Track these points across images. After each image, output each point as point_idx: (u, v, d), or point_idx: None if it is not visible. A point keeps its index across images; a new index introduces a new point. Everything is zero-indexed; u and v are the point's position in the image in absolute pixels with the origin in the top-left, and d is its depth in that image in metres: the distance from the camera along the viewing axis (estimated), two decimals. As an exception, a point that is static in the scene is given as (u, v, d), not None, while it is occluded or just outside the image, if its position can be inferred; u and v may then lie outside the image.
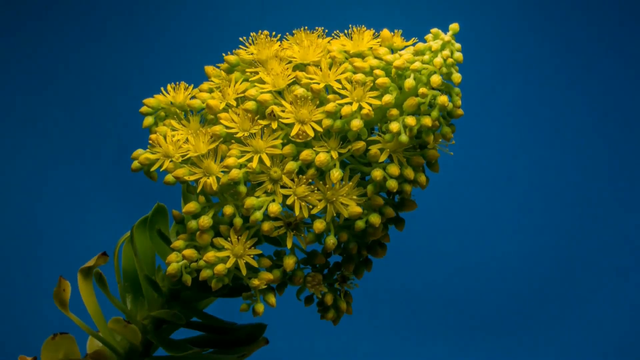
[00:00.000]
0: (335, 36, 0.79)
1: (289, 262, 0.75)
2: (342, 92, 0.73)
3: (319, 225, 0.73)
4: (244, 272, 0.73)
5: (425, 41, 0.75)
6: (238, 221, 0.73)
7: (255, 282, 0.74)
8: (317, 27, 0.79)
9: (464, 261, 1.61)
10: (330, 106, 0.72)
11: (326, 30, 0.79)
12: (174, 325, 0.83)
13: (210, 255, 0.73)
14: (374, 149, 0.73)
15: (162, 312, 0.80)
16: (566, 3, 1.65)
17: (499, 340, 1.58)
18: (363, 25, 0.78)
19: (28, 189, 1.59)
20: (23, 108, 1.60)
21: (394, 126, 0.72)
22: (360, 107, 0.72)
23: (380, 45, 0.77)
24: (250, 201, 0.72)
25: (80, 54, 1.61)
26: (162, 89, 0.81)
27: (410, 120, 0.72)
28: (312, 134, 0.73)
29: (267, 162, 0.73)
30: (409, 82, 0.72)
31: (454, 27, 0.75)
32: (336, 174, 0.72)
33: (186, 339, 0.85)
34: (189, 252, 0.74)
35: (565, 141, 1.63)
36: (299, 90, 0.74)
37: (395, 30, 0.78)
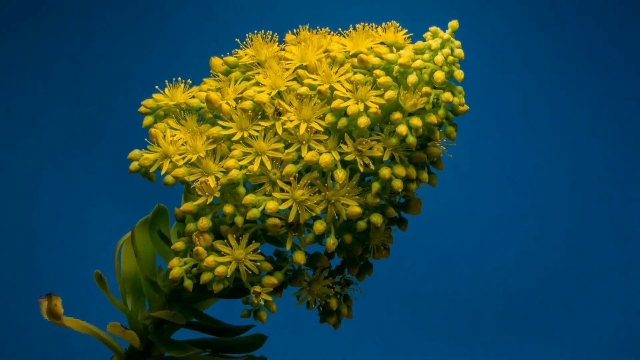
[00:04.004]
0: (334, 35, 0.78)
1: (299, 257, 0.74)
2: (347, 94, 0.72)
3: (319, 226, 0.72)
4: (243, 278, 0.73)
5: (424, 39, 0.74)
6: (239, 219, 0.72)
7: (258, 289, 0.73)
8: (322, 28, 0.79)
9: (465, 261, 1.61)
10: (336, 102, 0.71)
11: (332, 33, 0.79)
12: (175, 325, 0.83)
13: (210, 259, 0.72)
14: (376, 147, 0.72)
15: (163, 312, 0.80)
16: (568, 1, 1.65)
17: (500, 340, 1.58)
18: (362, 24, 0.77)
19: (28, 188, 1.58)
20: (23, 108, 1.59)
21: (402, 129, 0.71)
22: (367, 107, 0.71)
23: (382, 43, 0.76)
24: (249, 198, 0.72)
25: (79, 53, 1.61)
26: (161, 89, 0.80)
27: (416, 121, 0.71)
28: (321, 129, 0.72)
29: (268, 165, 0.72)
30: (412, 78, 0.71)
31: (453, 24, 0.74)
32: (340, 174, 0.72)
33: (187, 340, 0.85)
34: (201, 249, 0.73)
35: (567, 140, 1.63)
36: (302, 89, 0.73)
37: (397, 27, 0.77)
